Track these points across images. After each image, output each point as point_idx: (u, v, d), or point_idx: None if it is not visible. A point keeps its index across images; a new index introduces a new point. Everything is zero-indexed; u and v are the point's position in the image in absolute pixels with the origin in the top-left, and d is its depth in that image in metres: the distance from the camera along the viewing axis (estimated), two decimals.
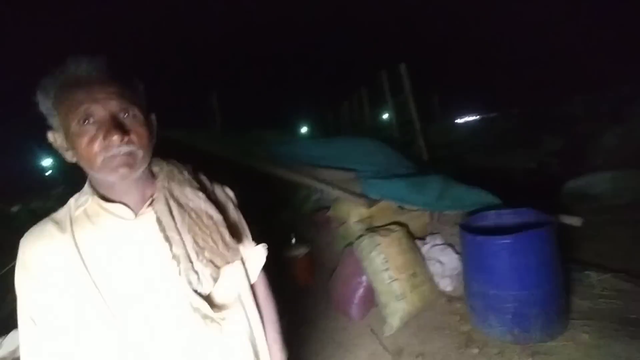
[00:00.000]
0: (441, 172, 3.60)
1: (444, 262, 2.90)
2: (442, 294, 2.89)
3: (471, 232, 2.37)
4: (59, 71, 0.76)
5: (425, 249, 3.02)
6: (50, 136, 0.81)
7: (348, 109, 8.82)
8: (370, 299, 2.89)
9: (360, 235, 3.00)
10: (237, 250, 0.90)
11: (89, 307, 0.75)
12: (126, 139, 0.75)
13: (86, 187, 0.85)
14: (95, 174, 0.79)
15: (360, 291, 2.92)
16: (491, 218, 2.69)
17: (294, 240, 3.86)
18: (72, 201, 0.85)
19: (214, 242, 0.86)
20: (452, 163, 6.70)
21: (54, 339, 0.75)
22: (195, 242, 0.84)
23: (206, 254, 0.84)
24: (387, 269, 2.71)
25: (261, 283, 1.08)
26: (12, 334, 1.31)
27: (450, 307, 2.78)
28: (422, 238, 3.15)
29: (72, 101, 0.74)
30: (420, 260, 2.88)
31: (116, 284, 0.77)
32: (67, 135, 0.77)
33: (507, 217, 2.67)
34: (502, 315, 2.25)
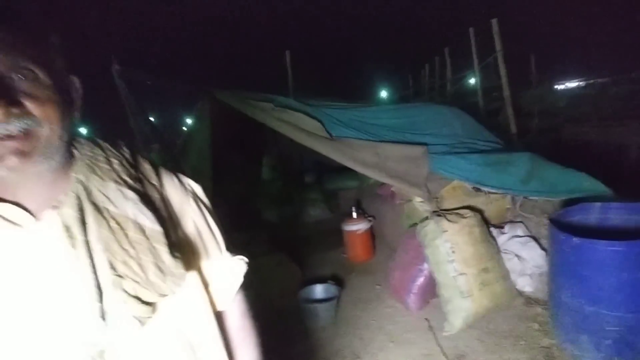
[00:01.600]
0: (531, 148, 2.94)
1: (525, 258, 2.36)
2: (519, 294, 2.38)
3: (565, 230, 1.81)
4: None
5: (502, 239, 2.49)
6: None
7: (428, 73, 7.94)
8: (431, 290, 2.50)
9: (425, 218, 2.57)
10: (180, 277, 0.61)
11: None
12: (16, 111, 0.50)
13: None
14: None
15: (420, 280, 2.54)
16: (594, 212, 2.07)
17: (354, 214, 3.57)
18: None
19: (142, 266, 0.58)
20: (546, 136, 5.68)
21: None
22: (112, 266, 0.56)
23: (126, 285, 0.56)
24: (452, 261, 2.28)
25: (235, 311, 0.79)
26: None
27: (528, 312, 2.27)
28: (500, 226, 2.61)
29: None
30: (494, 253, 2.38)
31: (7, 318, 0.53)
32: None
33: (617, 213, 2.03)
34: (599, 338, 1.72)
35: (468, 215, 2.44)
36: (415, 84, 8.93)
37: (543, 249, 2.35)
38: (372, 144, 2.81)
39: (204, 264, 0.72)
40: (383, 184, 3.74)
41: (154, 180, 0.69)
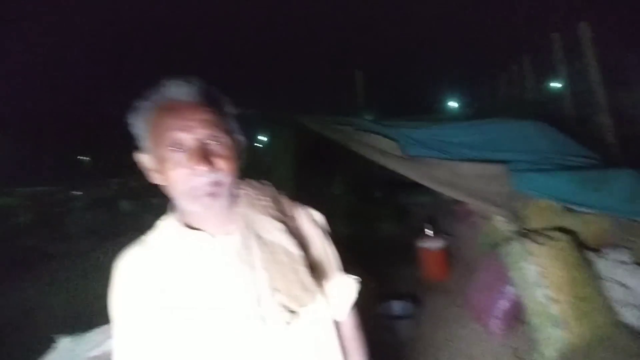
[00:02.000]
0: (636, 162, 2.62)
1: (631, 287, 2.10)
2: (624, 327, 2.12)
3: None
4: (153, 95, 0.75)
5: (602, 265, 2.25)
6: (137, 157, 0.80)
7: (506, 82, 7.46)
8: (516, 314, 2.34)
9: (509, 239, 2.44)
10: (315, 293, 0.77)
11: (169, 332, 0.73)
12: (213, 168, 0.71)
13: (169, 211, 0.83)
14: (177, 199, 0.76)
15: (504, 303, 2.39)
16: None
17: (429, 231, 3.48)
18: (159, 224, 0.84)
19: (289, 282, 0.74)
20: None
21: (142, 357, 0.76)
22: (269, 281, 0.74)
23: (279, 297, 0.73)
24: (542, 286, 2.12)
25: (349, 323, 0.93)
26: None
27: (635, 348, 2.02)
28: (599, 251, 2.36)
29: (163, 127, 0.72)
30: (592, 280, 2.16)
31: (192, 309, 0.74)
32: (155, 160, 0.75)
33: None
34: None
35: (559, 237, 2.26)
36: (492, 94, 8.45)
37: None
38: (449, 162, 2.75)
39: (326, 281, 0.86)
40: (458, 200, 3.62)
41: (291, 213, 0.87)
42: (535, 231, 2.40)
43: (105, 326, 1.46)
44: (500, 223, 2.64)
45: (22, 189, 15.22)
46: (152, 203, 11.30)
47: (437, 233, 3.54)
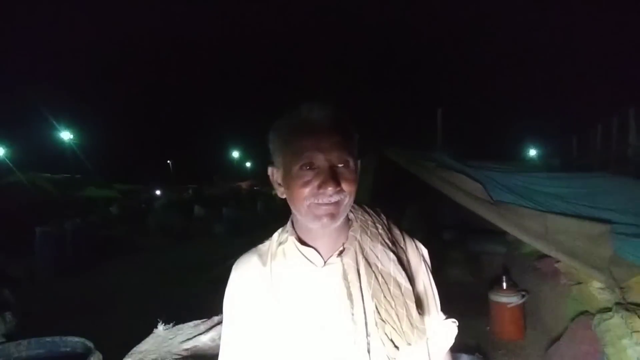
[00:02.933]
0: None
1: None
2: None
3: None
4: (292, 115, 0.79)
5: None
6: (270, 171, 0.84)
7: (602, 134, 6.80)
8: None
9: (607, 309, 2.15)
10: (423, 332, 0.72)
11: (269, 340, 0.74)
12: (338, 189, 0.72)
13: (288, 225, 0.85)
14: (298, 215, 0.78)
15: None
16: None
17: (505, 284, 3.21)
18: (275, 236, 0.86)
19: (398, 316, 0.71)
20: None
21: (238, 358, 0.78)
22: (378, 311, 0.71)
23: (387, 329, 0.70)
24: None
25: None
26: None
27: None
28: None
29: (298, 146, 0.74)
30: None
31: (295, 324, 0.74)
32: (285, 175, 0.78)
33: None
34: None
35: None
36: (582, 147, 7.74)
37: None
38: (539, 213, 2.55)
39: (426, 320, 0.80)
40: (541, 256, 3.30)
41: (402, 244, 0.84)
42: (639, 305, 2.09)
43: (197, 321, 1.56)
44: (597, 290, 2.35)
45: (118, 185, 17.08)
46: (222, 212, 12.05)
47: (514, 288, 3.24)
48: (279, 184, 0.82)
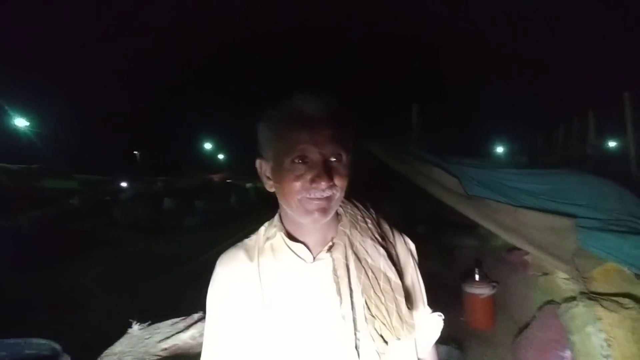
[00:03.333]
0: None
1: None
2: None
3: None
4: (284, 105, 0.74)
5: None
6: (258, 163, 0.80)
7: (564, 134, 7.18)
8: None
9: (572, 298, 2.29)
10: (413, 327, 0.72)
11: (256, 336, 0.73)
12: (331, 184, 0.70)
13: (276, 219, 0.82)
14: (288, 209, 0.76)
15: None
16: None
17: (477, 276, 3.34)
18: (262, 230, 0.83)
19: (388, 311, 0.71)
20: None
21: (223, 355, 0.76)
22: (367, 307, 0.71)
23: (376, 324, 0.70)
24: (608, 356, 1.96)
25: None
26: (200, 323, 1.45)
27: None
28: None
29: (291, 139, 0.71)
30: None
31: (283, 320, 0.72)
32: (276, 167, 0.74)
33: None
34: None
35: (630, 305, 2.09)
36: (546, 145, 8.14)
37: None
38: (511, 207, 2.66)
39: (414, 314, 0.81)
40: (511, 249, 3.45)
41: (391, 239, 0.84)
42: (602, 295, 2.24)
43: (175, 319, 1.51)
44: (563, 280, 2.49)
45: (80, 175, 16.20)
46: (194, 205, 11.74)
47: (484, 279, 3.38)
48: (268, 177, 0.78)
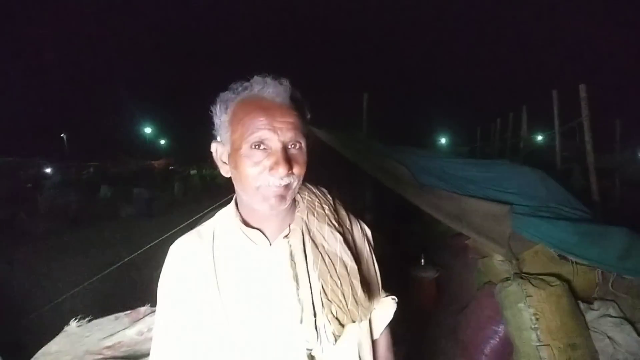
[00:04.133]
0: (618, 219, 2.78)
1: (618, 342, 2.19)
2: None
3: None
4: (242, 88, 0.74)
5: (590, 316, 2.34)
6: (214, 147, 0.79)
7: (500, 127, 7.79)
8: (506, 354, 2.39)
9: (507, 279, 2.51)
10: (368, 309, 0.76)
11: (213, 324, 0.72)
12: (290, 172, 0.70)
13: (231, 205, 0.82)
14: (245, 196, 0.75)
15: (495, 342, 2.45)
16: None
17: (422, 261, 3.54)
18: (217, 216, 0.83)
19: (344, 295, 0.73)
20: (630, 206, 5.28)
21: (177, 346, 0.74)
22: (324, 291, 0.72)
23: (333, 308, 0.72)
24: (536, 328, 2.19)
25: (383, 342, 0.91)
26: (147, 318, 1.37)
27: None
28: (588, 302, 2.46)
29: (250, 124, 0.70)
30: (583, 329, 2.24)
31: (241, 308, 0.73)
32: (233, 153, 0.73)
33: None
34: None
35: (555, 283, 2.34)
36: (484, 136, 8.78)
37: (639, 334, 2.18)
38: (457, 196, 2.82)
39: (371, 299, 0.83)
40: (453, 234, 3.70)
41: (348, 225, 0.86)
42: (532, 274, 2.48)
43: (118, 314, 1.41)
44: (499, 262, 2.72)
45: None
46: (132, 193, 11.00)
47: (429, 263, 3.60)
48: (224, 162, 0.77)
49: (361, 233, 0.88)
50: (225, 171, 0.78)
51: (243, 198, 0.77)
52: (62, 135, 26.53)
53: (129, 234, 6.49)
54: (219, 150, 0.78)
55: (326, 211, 0.82)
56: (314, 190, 0.85)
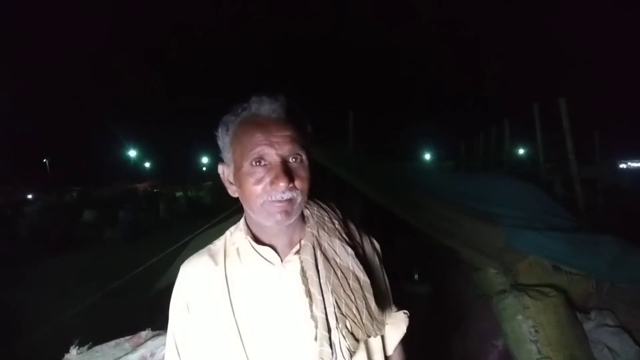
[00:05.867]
0: (603, 228, 2.82)
1: (616, 351, 2.17)
2: None
3: None
4: (241, 109, 0.76)
5: (588, 326, 2.33)
6: (220, 169, 0.81)
7: (483, 141, 7.95)
8: None
9: (503, 291, 2.48)
10: (383, 324, 0.76)
11: (227, 343, 0.71)
12: (291, 185, 0.71)
13: (241, 223, 0.83)
14: (252, 213, 0.76)
15: (494, 356, 2.40)
16: None
17: (416, 276, 3.50)
18: (227, 234, 0.84)
19: (358, 310, 0.73)
20: (613, 216, 5.38)
21: None
22: (338, 306, 0.72)
23: (347, 323, 0.72)
24: (536, 341, 2.16)
25: (397, 357, 0.90)
26: (156, 338, 1.31)
27: None
28: (585, 312, 2.45)
29: (248, 142, 0.72)
30: (582, 340, 2.22)
31: (254, 326, 0.73)
32: (236, 172, 0.75)
33: None
34: None
35: (552, 294, 2.33)
36: (468, 151, 8.94)
37: (637, 343, 2.16)
38: (449, 210, 2.83)
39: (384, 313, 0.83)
40: (445, 247, 3.69)
41: (358, 239, 0.86)
42: (529, 286, 2.47)
43: (119, 340, 1.34)
44: (494, 275, 2.70)
45: None
46: (117, 216, 10.72)
47: (421, 279, 3.56)
48: (231, 182, 0.78)
49: (371, 247, 0.88)
50: (232, 191, 0.79)
51: (251, 215, 0.78)
52: (44, 160, 25.98)
53: (113, 255, 6.27)
54: (225, 171, 0.80)
55: (336, 225, 0.82)
56: (323, 206, 0.86)
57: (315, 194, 0.86)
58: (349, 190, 3.36)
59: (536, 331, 2.17)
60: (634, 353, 2.13)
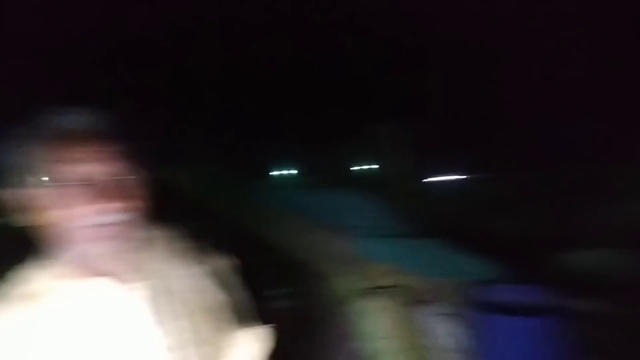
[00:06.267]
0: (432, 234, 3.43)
1: (448, 334, 2.62)
2: None
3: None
4: (43, 121, 0.65)
5: (424, 318, 2.74)
6: (13, 194, 0.65)
7: (327, 158, 8.70)
8: None
9: (357, 295, 2.70)
10: (231, 345, 0.78)
11: None
12: (115, 206, 0.64)
13: (58, 256, 0.69)
14: (68, 242, 0.66)
15: (352, 356, 2.56)
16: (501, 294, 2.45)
17: (275, 291, 3.47)
18: (29, 275, 0.70)
19: (202, 331, 0.73)
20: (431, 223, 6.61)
21: None
22: (184, 331, 0.71)
23: (188, 346, 0.71)
24: (387, 338, 2.41)
25: None
26: None
27: None
28: (421, 305, 2.87)
29: (54, 160, 0.62)
30: (426, 329, 2.58)
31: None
32: (40, 196, 0.63)
33: (509, 294, 2.46)
34: None
35: (395, 293, 2.65)
36: (313, 168, 9.62)
37: (460, 327, 2.64)
38: (302, 224, 2.96)
39: (229, 331, 0.82)
40: (306, 260, 3.81)
41: (203, 258, 0.84)
42: (378, 287, 2.75)
43: None
44: (347, 282, 2.91)
45: None
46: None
47: (281, 292, 3.60)
48: (32, 208, 0.66)
49: (218, 266, 0.86)
50: (36, 218, 0.66)
51: (67, 245, 0.67)
52: None
53: None
54: (21, 196, 0.66)
55: (178, 245, 0.80)
56: (163, 227, 0.82)
57: (154, 214, 0.79)
58: (200, 208, 3.17)
59: (383, 328, 2.42)
60: (460, 334, 2.59)
